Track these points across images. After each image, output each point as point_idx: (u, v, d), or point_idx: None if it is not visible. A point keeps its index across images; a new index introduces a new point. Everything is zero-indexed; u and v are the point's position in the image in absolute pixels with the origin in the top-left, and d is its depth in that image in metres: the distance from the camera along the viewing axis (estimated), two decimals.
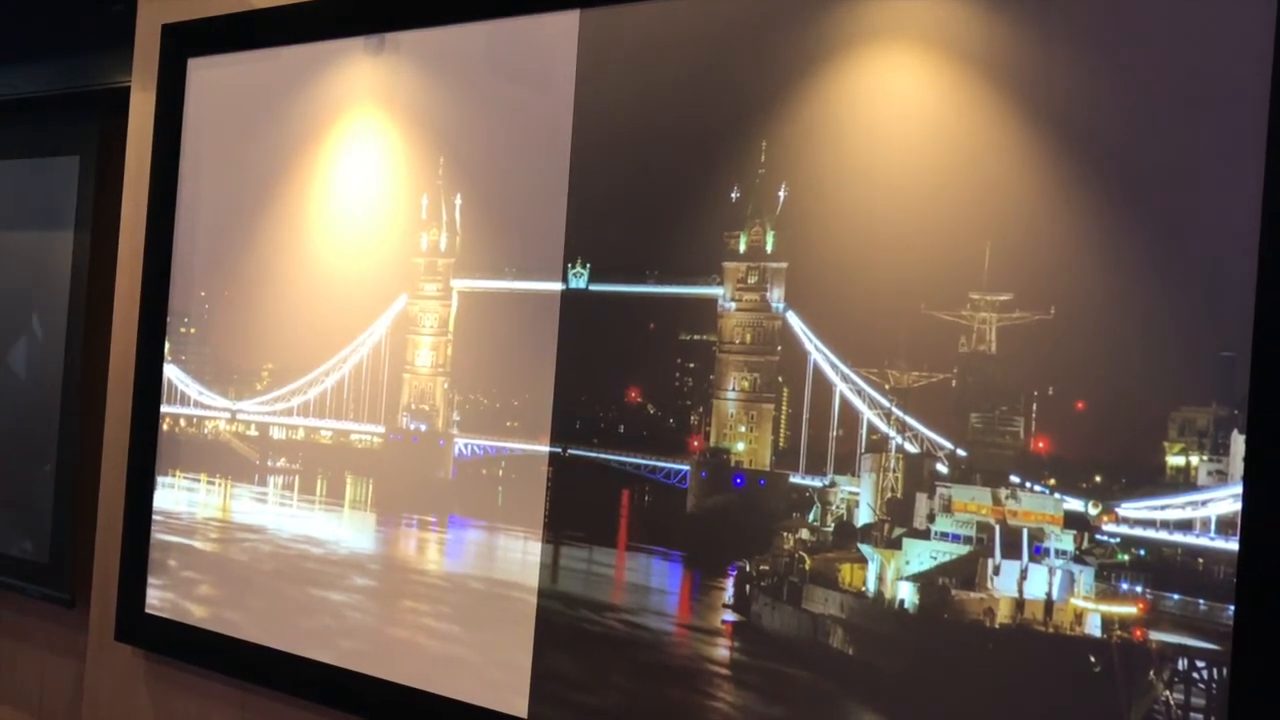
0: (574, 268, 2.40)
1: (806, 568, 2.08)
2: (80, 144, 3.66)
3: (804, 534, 2.09)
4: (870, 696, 1.99)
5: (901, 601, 1.98)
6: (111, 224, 3.32)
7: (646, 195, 2.30)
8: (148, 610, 3.06)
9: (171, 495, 3.07)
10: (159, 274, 3.11)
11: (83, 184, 3.66)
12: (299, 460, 2.86)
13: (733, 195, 2.19)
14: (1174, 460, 1.76)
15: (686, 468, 2.25)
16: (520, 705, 2.38)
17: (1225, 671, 1.70)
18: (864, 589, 2.02)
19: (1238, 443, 1.71)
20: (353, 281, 2.76)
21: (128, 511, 3.13)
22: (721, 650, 2.17)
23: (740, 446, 2.19)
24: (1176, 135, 1.78)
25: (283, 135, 2.91)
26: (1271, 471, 1.68)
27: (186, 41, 3.11)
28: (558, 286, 2.42)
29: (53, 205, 3.72)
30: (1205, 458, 1.74)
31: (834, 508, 2.07)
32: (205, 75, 3.08)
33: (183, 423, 3.06)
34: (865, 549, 2.03)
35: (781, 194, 2.14)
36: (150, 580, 3.07)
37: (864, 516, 2.04)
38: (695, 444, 2.24)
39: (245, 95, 3.00)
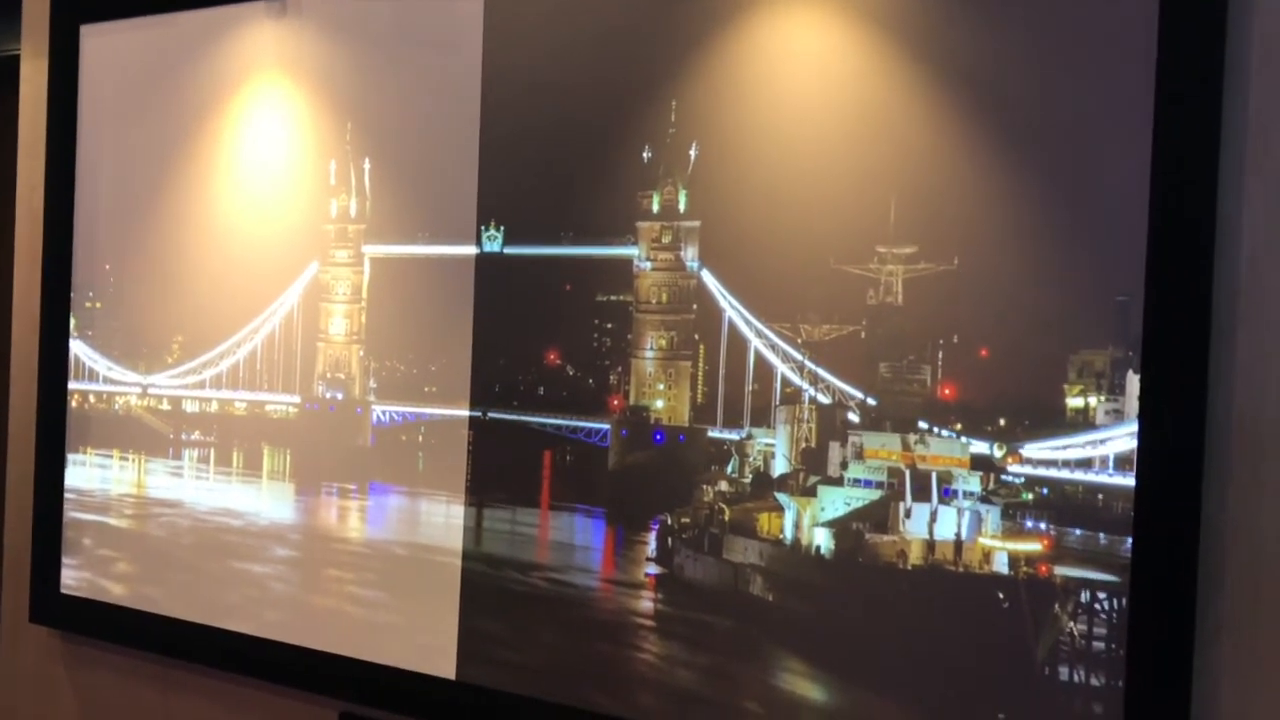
0: (488, 231, 2.40)
1: (726, 519, 2.13)
2: None
3: (723, 486, 2.14)
4: (791, 640, 2.05)
5: (818, 547, 2.04)
6: (8, 199, 3.22)
7: (559, 156, 2.31)
8: (63, 590, 3.01)
9: (83, 473, 3.01)
10: (60, 249, 3.03)
11: None
12: (214, 433, 2.83)
13: (645, 155, 2.21)
14: (1073, 402, 1.83)
15: (607, 426, 2.28)
16: (448, 667, 2.40)
17: (1124, 601, 1.78)
18: (782, 537, 2.08)
19: (1133, 383, 1.79)
20: (262, 250, 2.72)
21: (38, 491, 3.06)
22: (646, 603, 2.21)
23: (659, 404, 2.22)
24: (1071, 89, 1.84)
25: (184, 103, 2.85)
26: (1164, 409, 1.76)
27: (77, 7, 3.01)
28: (472, 250, 2.42)
29: None
30: (1103, 398, 1.82)
31: (751, 459, 2.11)
32: (100, 42, 3.00)
33: (92, 399, 3.01)
34: (782, 498, 2.08)
35: (693, 153, 2.17)
36: (65, 560, 3.02)
37: (780, 467, 2.09)
38: (615, 403, 2.27)
39: (143, 63, 2.93)
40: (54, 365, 3.03)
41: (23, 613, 3.10)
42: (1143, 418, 1.77)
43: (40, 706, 3.10)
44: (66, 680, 3.06)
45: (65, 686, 3.06)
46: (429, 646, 2.43)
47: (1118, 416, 1.80)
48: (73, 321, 3.02)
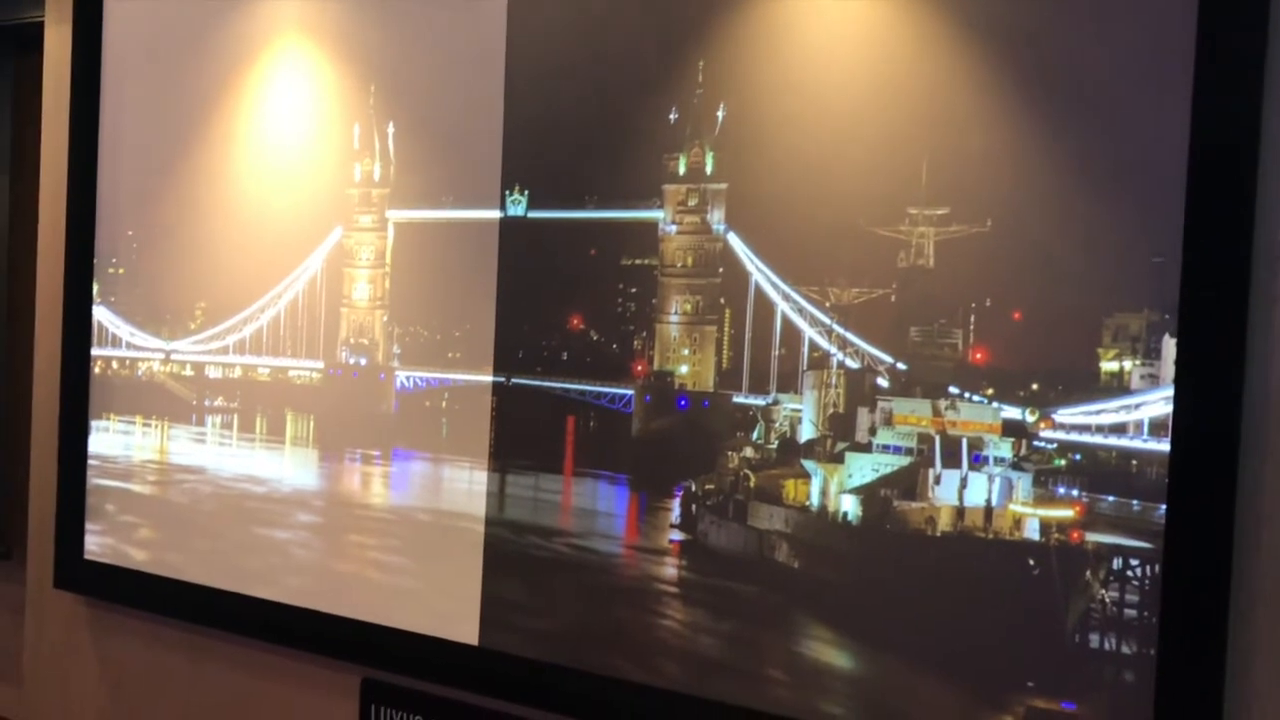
0: (512, 195, 2.38)
1: (751, 485, 2.11)
2: None
3: (748, 452, 2.11)
4: (816, 607, 2.03)
5: (845, 514, 2.01)
6: (32, 165, 3.22)
7: (583, 119, 2.28)
8: (87, 557, 3.02)
9: (106, 439, 3.01)
10: (83, 215, 3.03)
11: None
12: (237, 399, 2.82)
13: (671, 117, 2.18)
14: (1108, 366, 1.80)
15: (630, 392, 2.26)
16: (471, 633, 2.39)
17: (1158, 568, 1.75)
18: (808, 503, 2.05)
19: (1169, 346, 1.75)
20: (285, 215, 2.71)
21: (62, 458, 3.07)
22: (670, 569, 2.19)
23: (684, 369, 2.20)
24: (1110, 46, 1.80)
25: (207, 67, 2.84)
26: (1201, 374, 1.72)
27: None
28: (496, 214, 2.40)
29: None
30: (1138, 362, 1.78)
31: (777, 425, 2.09)
32: (123, 7, 2.99)
33: (115, 365, 3.00)
34: (808, 464, 2.06)
35: (720, 114, 2.13)
36: (88, 526, 3.02)
37: (807, 432, 2.06)
38: (639, 368, 2.25)
39: (167, 27, 2.91)
40: (77, 331, 3.03)
41: (47, 579, 3.11)
42: (1178, 383, 1.73)
43: (65, 671, 3.11)
44: (91, 645, 3.07)
45: (90, 651, 3.07)
46: (451, 612, 2.42)
47: (1153, 381, 1.77)
48: (96, 288, 3.01)
